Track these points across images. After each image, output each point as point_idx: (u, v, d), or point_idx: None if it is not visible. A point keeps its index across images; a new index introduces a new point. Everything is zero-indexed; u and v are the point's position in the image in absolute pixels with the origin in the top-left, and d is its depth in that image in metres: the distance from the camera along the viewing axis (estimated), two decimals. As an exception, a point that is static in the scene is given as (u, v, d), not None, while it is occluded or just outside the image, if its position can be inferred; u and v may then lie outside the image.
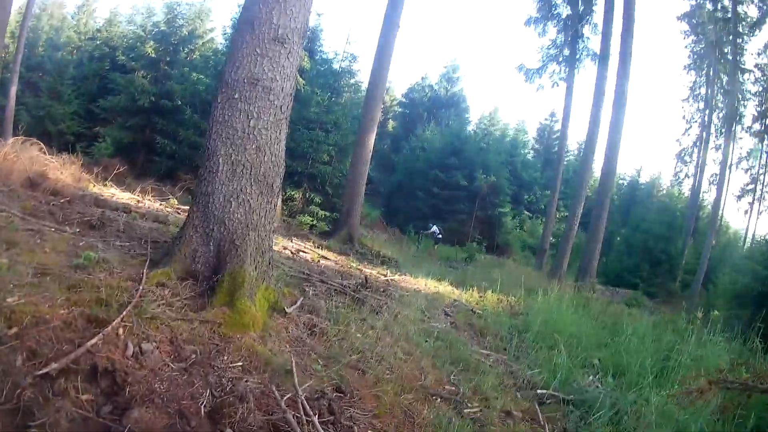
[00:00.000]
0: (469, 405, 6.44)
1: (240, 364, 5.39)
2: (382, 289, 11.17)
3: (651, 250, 32.38)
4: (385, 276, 14.20)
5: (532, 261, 31.20)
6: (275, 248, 13.16)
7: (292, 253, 13.55)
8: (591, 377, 8.61)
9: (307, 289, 8.96)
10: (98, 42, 36.37)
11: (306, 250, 14.64)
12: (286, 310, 7.05)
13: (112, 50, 33.44)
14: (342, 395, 5.58)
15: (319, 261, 13.53)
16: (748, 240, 43.59)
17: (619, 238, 38.31)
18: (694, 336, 10.39)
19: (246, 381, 5.10)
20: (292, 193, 23.23)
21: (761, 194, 44.93)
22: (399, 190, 40.45)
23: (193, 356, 5.17)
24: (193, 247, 6.75)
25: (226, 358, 5.40)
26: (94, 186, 14.40)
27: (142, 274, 6.36)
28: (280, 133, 6.98)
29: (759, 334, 10.54)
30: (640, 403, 7.35)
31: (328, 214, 23.14)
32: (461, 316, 10.95)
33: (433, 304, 11.44)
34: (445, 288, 14.41)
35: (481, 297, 13.85)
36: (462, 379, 7.21)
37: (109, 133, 26.66)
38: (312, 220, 22.50)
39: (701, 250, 33.10)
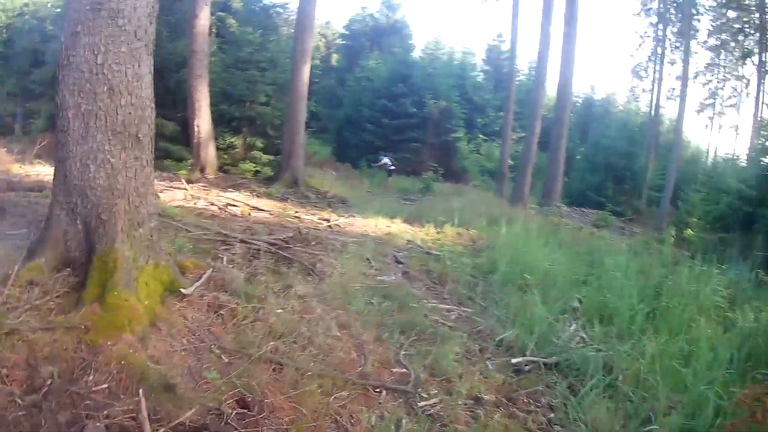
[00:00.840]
0: (424, 395, 4.96)
1: (106, 385, 3.91)
2: (319, 241, 9.50)
3: (614, 167, 31.41)
4: (328, 221, 12.48)
5: (492, 186, 29.88)
6: (200, 205, 11.58)
7: (219, 208, 11.79)
8: (573, 326, 7.20)
9: (221, 255, 7.32)
10: (26, 17, 34.22)
11: (237, 203, 12.82)
12: (184, 290, 5.50)
13: (41, 22, 31.55)
14: (246, 411, 4.06)
15: (249, 214, 11.71)
16: (710, 156, 43.42)
17: (579, 157, 37.31)
18: (685, 269, 8.96)
19: (107, 413, 3.61)
20: (232, 140, 21.38)
21: (721, 109, 45.26)
22: (348, 124, 38.68)
23: (50, 381, 3.81)
24: (62, 228, 5.15)
25: (90, 378, 3.96)
26: (21, 167, 13.01)
27: (11, 272, 4.83)
28: (139, 67, 5.13)
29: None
30: (635, 357, 6.04)
31: (272, 158, 21.38)
32: (416, 262, 9.36)
33: (383, 249, 9.83)
34: (398, 227, 12.78)
35: (438, 233, 12.29)
36: (415, 355, 5.71)
37: (43, 107, 24.87)
38: (255, 167, 20.70)
39: (664, 166, 32.30)
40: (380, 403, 4.66)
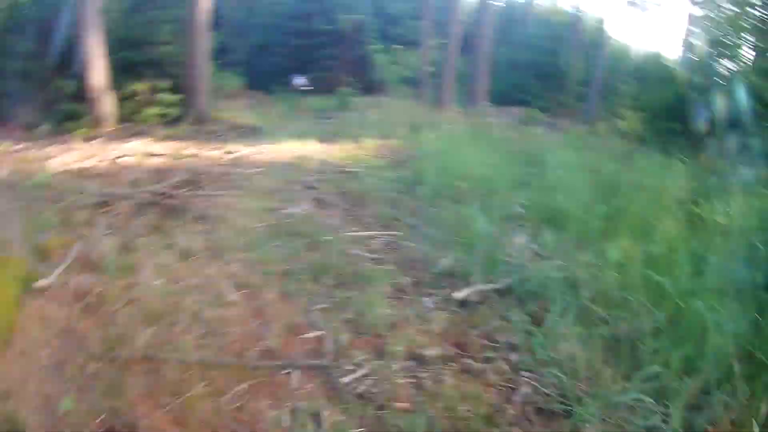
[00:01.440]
0: (348, 366, 3.71)
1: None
2: (217, 179, 8.08)
3: (537, 65, 30.55)
4: (231, 154, 10.87)
5: (413, 95, 28.59)
6: (90, 164, 9.81)
7: (111, 162, 9.99)
8: (521, 237, 6.06)
9: (98, 221, 5.94)
10: None
11: (132, 153, 10.97)
12: (40, 283, 4.44)
13: None
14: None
15: (140, 164, 9.97)
16: (637, 52, 43.40)
17: (502, 58, 36.53)
18: (641, 162, 7.91)
19: None
20: (133, 87, 19.45)
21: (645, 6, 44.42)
22: (260, 51, 36.78)
23: None
24: None
25: None
26: None
27: None
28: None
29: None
30: (600, 269, 5.04)
31: (178, 98, 19.64)
32: (330, 185, 7.99)
33: (293, 176, 8.47)
34: (312, 148, 11.32)
35: (356, 148, 10.94)
36: (333, 309, 4.43)
37: None
38: (160, 110, 18.87)
39: (589, 61, 31.13)
40: (292, 391, 3.43)
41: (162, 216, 6.29)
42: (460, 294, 4.70)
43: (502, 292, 4.81)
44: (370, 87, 32.57)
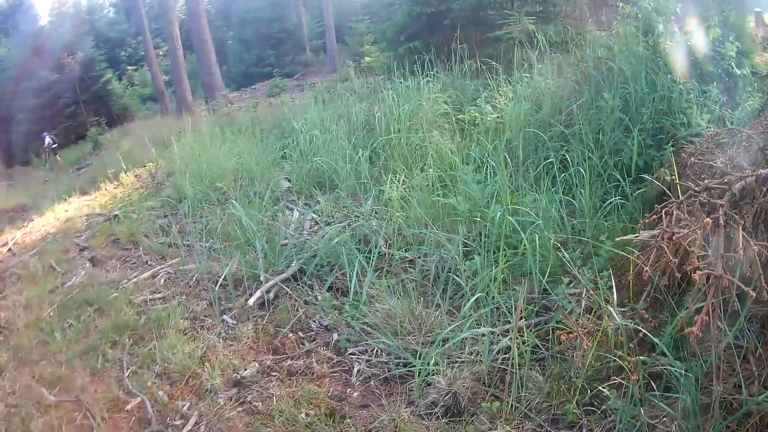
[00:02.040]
0: (177, 419, 3.59)
1: None
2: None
3: (267, 34, 30.59)
4: (7, 244, 9.83)
5: (157, 110, 27.71)
6: None
7: None
8: (295, 211, 6.17)
9: None
10: None
11: None
12: None
13: None
14: None
15: None
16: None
17: (231, 41, 35.86)
18: (388, 94, 7.89)
19: None
20: None
21: None
22: (2, 125, 33.90)
23: None
24: None
25: None
26: None
27: None
28: None
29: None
30: (383, 212, 5.34)
31: None
32: (100, 238, 7.53)
33: (65, 242, 7.93)
34: (76, 205, 10.61)
35: (116, 187, 10.48)
36: (142, 367, 4.22)
37: None
38: None
39: (318, 14, 31.33)
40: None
41: None
42: (252, 299, 4.68)
43: (295, 278, 4.85)
44: (116, 118, 31.23)
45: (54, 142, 26.07)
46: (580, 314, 3.43)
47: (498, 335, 3.63)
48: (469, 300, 3.79)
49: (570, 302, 3.61)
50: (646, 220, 3.23)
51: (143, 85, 37.23)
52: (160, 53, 32.25)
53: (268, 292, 4.74)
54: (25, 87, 31.92)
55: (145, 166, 10.83)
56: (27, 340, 5.07)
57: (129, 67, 39.68)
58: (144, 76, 37.58)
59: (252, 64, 30.17)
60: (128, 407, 3.82)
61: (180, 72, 22.08)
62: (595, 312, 3.39)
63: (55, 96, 32.03)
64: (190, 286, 5.33)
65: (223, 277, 4.96)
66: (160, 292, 5.35)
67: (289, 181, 7.03)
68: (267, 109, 13.48)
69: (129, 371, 4.21)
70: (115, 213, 8.42)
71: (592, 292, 3.54)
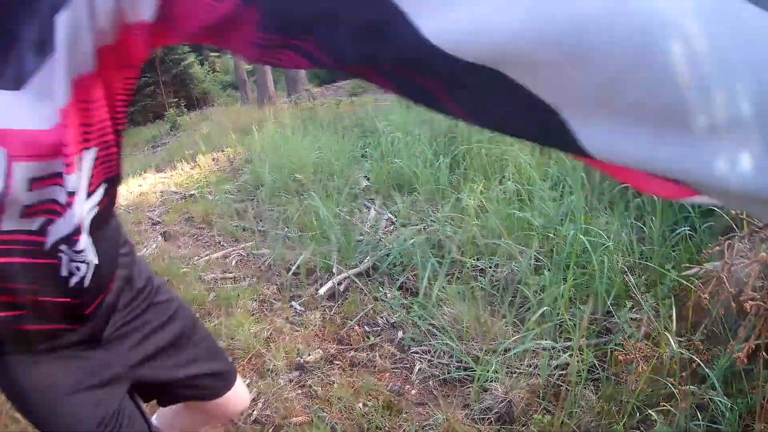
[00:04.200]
0: None
1: None
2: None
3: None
4: None
5: (237, 98, 27.94)
6: None
7: None
8: (372, 210, 6.13)
9: None
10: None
11: None
12: None
13: None
14: None
15: None
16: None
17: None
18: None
19: None
20: None
21: None
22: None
23: None
24: None
25: None
26: None
27: None
28: None
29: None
30: (459, 220, 5.13)
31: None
32: (174, 215, 7.64)
33: (138, 216, 8.05)
34: (150, 181, 10.85)
35: (193, 168, 10.66)
36: None
37: None
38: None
39: None
40: None
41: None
42: (324, 288, 4.66)
43: (368, 274, 4.81)
44: (195, 102, 31.74)
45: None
46: (638, 339, 3.33)
47: (558, 351, 3.54)
48: (534, 313, 3.72)
49: (630, 327, 3.51)
50: (710, 251, 3.11)
51: (225, 72, 37.76)
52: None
53: (339, 284, 4.68)
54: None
55: (223, 151, 10.98)
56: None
57: (212, 53, 40.35)
58: (226, 63, 38.17)
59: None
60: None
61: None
62: (653, 338, 3.30)
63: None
64: (262, 270, 5.30)
65: (296, 265, 4.94)
66: (231, 273, 5.35)
67: (368, 179, 6.99)
68: (349, 108, 13.51)
69: (194, 346, 4.20)
70: (192, 192, 8.56)
71: (652, 318, 3.45)
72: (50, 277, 1.17)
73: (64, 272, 1.17)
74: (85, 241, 1.13)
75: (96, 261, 1.21)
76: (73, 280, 1.19)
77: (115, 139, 1.13)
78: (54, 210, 1.05)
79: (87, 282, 1.22)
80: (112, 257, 1.48)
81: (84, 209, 1.09)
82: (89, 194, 1.11)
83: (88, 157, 1.05)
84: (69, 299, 1.25)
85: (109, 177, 1.18)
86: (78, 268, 1.17)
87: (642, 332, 3.44)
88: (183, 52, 34.27)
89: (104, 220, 1.28)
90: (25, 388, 1.43)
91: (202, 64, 37.17)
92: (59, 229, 1.08)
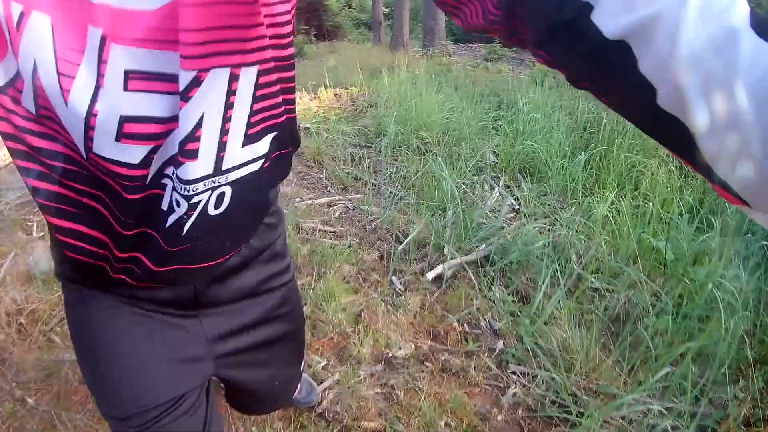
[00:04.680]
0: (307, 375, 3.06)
1: None
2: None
3: (498, -3, 29.26)
4: None
5: (369, 38, 27.37)
6: None
7: None
8: (496, 190, 5.45)
9: (34, 219, 5.26)
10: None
11: None
12: None
13: None
14: None
15: None
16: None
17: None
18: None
19: None
20: None
21: None
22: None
23: None
24: None
25: None
26: None
27: None
28: None
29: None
30: (588, 228, 4.44)
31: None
32: (286, 146, 7.18)
33: None
34: (264, 102, 10.49)
35: (312, 100, 10.16)
36: None
37: None
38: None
39: None
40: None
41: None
42: (432, 273, 4.02)
43: (480, 264, 4.16)
44: (325, 33, 31.64)
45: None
46: (737, 418, 2.79)
47: (666, 412, 2.91)
48: (654, 372, 3.10)
49: (734, 404, 2.91)
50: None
51: (360, 10, 37.51)
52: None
53: (447, 268, 4.04)
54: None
55: (347, 89, 10.43)
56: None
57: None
58: (363, 2, 37.87)
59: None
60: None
61: (403, 6, 21.75)
62: (756, 422, 2.77)
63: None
64: (366, 231, 4.73)
65: (407, 240, 4.32)
66: (332, 226, 4.81)
67: (496, 155, 6.29)
68: (483, 73, 12.77)
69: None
70: (307, 126, 8.04)
71: (758, 401, 2.90)
72: (146, 205, 0.97)
73: (164, 204, 0.97)
74: (196, 170, 0.90)
75: (215, 209, 0.99)
76: (171, 219, 0.97)
77: (278, 62, 0.96)
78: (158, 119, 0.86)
79: (187, 227, 0.98)
80: (243, 217, 1.16)
81: (215, 139, 0.89)
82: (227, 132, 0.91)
83: (221, 77, 0.83)
84: (162, 242, 1.00)
85: (271, 125, 1.01)
86: (178, 203, 0.95)
87: (742, 415, 2.88)
88: (320, -19, 34.33)
89: (259, 178, 1.05)
90: (94, 332, 1.25)
91: (337, -1, 37.03)
92: (165, 149, 0.89)
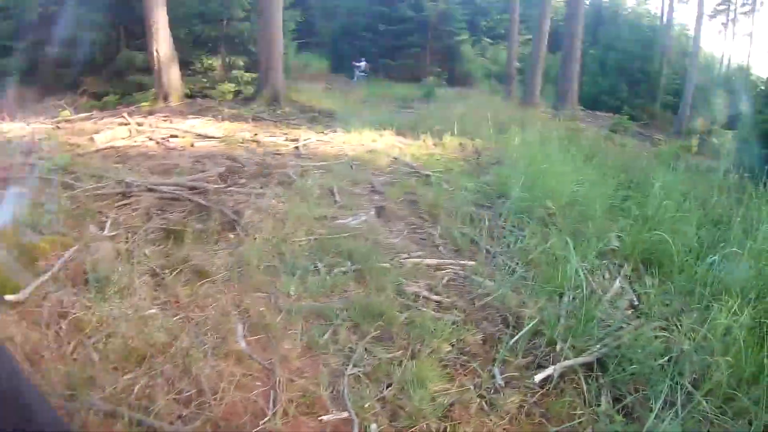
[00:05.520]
0: None
1: None
2: (269, 172, 7.20)
3: (627, 70, 28.91)
4: (296, 141, 9.88)
5: (500, 90, 27.15)
6: (136, 142, 9.01)
7: (158, 142, 9.16)
8: (618, 281, 4.91)
9: (108, 217, 5.10)
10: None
11: (184, 133, 10.10)
12: (10, 297, 3.45)
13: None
14: None
15: (192, 145, 9.19)
16: (724, 64, 41.37)
17: (590, 60, 34.71)
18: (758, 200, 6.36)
19: None
20: (209, 61, 19.27)
21: (734, 16, 43.10)
22: (344, 34, 36.31)
23: None
24: None
25: None
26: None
27: None
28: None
29: None
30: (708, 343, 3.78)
31: (255, 75, 18.91)
32: (398, 189, 6.87)
33: (359, 175, 7.42)
34: (386, 140, 10.21)
35: (435, 145, 9.87)
36: (370, 377, 3.27)
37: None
38: (235, 87, 18.51)
39: (678, 70, 30.18)
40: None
41: (184, 217, 5.35)
42: (541, 375, 3.49)
43: (590, 366, 3.65)
44: (457, 78, 31.86)
45: (366, 71, 28.80)
46: None
47: None
48: None
49: None
50: None
51: (493, 62, 37.31)
52: (520, 39, 31.82)
53: (556, 369, 3.54)
54: (376, 10, 33.47)
55: (473, 140, 10.08)
56: (257, 258, 4.45)
57: (485, 38, 39.95)
58: (497, 54, 37.69)
59: (603, 91, 28.71)
60: (324, 417, 2.92)
61: (538, 65, 21.69)
62: None
63: (405, 32, 33.20)
64: (474, 306, 4.29)
65: (521, 334, 3.85)
66: (438, 294, 4.39)
67: (620, 239, 5.72)
68: (609, 145, 12.21)
69: (354, 369, 3.30)
70: (427, 173, 7.72)
71: None
72: None
73: None
74: None
75: None
76: None
77: None
78: None
79: None
80: None
81: None
82: None
83: None
84: None
85: None
86: None
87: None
88: (458, 27, 34.31)
89: None
90: None
91: (473, 46, 36.87)
92: None
